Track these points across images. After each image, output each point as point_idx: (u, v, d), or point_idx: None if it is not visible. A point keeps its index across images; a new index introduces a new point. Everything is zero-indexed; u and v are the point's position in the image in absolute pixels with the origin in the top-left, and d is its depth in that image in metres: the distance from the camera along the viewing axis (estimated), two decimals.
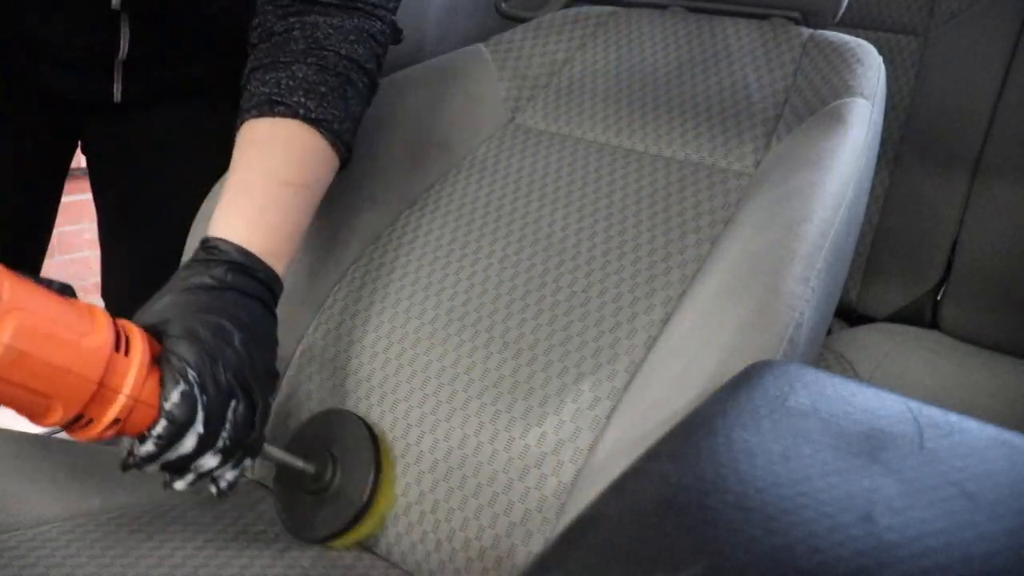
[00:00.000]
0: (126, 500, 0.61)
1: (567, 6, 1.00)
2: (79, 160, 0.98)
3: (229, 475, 0.52)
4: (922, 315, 1.08)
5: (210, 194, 0.73)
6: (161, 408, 0.48)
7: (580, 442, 0.57)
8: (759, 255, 0.56)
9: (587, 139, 0.81)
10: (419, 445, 0.61)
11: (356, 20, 0.65)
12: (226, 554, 0.57)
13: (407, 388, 0.64)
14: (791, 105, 0.75)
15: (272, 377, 0.56)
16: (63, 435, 0.62)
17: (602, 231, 0.70)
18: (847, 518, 0.24)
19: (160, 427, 0.47)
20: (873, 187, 0.98)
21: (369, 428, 0.61)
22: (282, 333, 0.70)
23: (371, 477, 0.59)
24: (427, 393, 0.63)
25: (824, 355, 1.03)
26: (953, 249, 1.04)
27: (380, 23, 0.67)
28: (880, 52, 0.78)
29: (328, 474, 0.59)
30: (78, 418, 0.46)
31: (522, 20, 1.00)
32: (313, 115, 0.60)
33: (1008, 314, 1.00)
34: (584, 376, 0.60)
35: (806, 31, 0.81)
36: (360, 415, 0.64)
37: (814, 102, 0.73)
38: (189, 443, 0.48)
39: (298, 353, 0.70)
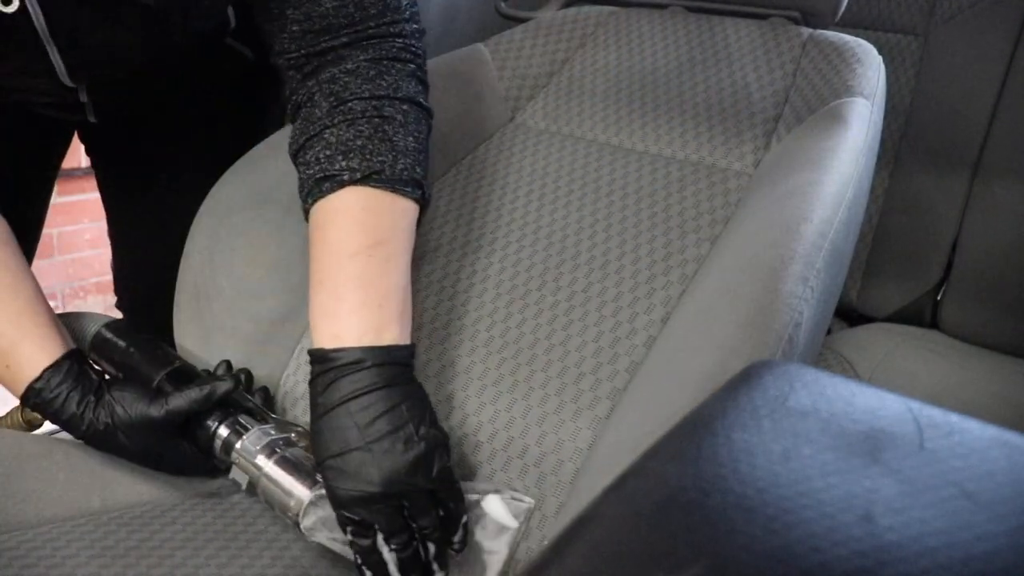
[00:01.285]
0: (126, 500, 0.61)
1: (567, 6, 1.00)
2: (80, 160, 0.98)
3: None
4: (922, 315, 1.08)
5: (219, 181, 0.73)
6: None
7: (579, 442, 0.57)
8: (759, 255, 0.56)
9: (587, 138, 0.81)
10: None
11: (371, 52, 0.63)
12: (226, 554, 0.57)
13: None
14: (791, 105, 0.75)
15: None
16: (63, 435, 0.62)
17: (602, 231, 0.70)
18: (847, 518, 0.24)
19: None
20: (873, 187, 0.98)
21: None
22: (282, 332, 0.71)
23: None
24: (426, 392, 0.63)
25: (824, 355, 1.03)
26: (953, 249, 1.04)
27: (399, 39, 0.64)
28: (880, 52, 0.78)
29: None
30: None
31: (522, 20, 1.00)
32: (359, 174, 0.58)
33: (1008, 314, 1.00)
34: (584, 376, 0.60)
35: (806, 31, 0.81)
36: None
37: (814, 102, 0.73)
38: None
39: (298, 352, 0.70)
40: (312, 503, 0.54)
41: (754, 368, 0.35)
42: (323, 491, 0.53)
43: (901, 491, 0.25)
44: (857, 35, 0.81)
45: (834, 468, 0.26)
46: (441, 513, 0.53)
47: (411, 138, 0.62)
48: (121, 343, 0.64)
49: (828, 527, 0.23)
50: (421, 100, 0.65)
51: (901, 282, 1.09)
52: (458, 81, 0.85)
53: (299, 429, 0.60)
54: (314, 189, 0.60)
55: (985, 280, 1.01)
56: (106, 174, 0.97)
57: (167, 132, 0.88)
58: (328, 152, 0.60)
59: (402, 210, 0.60)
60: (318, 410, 0.54)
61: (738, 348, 0.50)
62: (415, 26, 0.66)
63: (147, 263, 0.94)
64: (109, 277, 1.01)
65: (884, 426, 0.29)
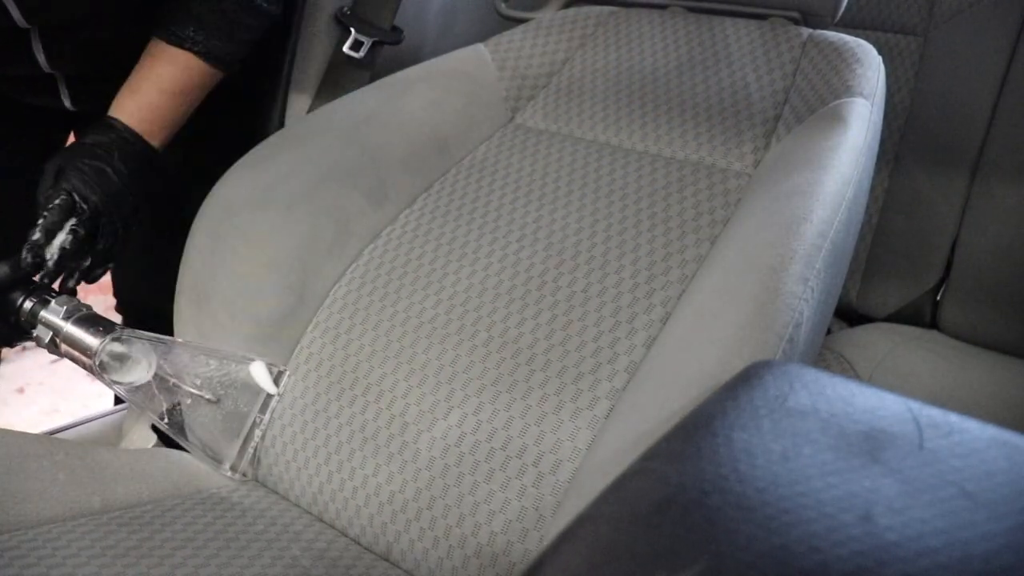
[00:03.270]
0: (126, 500, 0.61)
1: (567, 6, 1.00)
2: None
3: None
4: (922, 315, 1.08)
5: (219, 182, 0.74)
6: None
7: (578, 441, 0.57)
8: (758, 255, 0.56)
9: (587, 139, 0.81)
10: (416, 443, 0.61)
11: None
12: (226, 554, 0.57)
13: (405, 386, 0.64)
14: (791, 105, 0.75)
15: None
16: (63, 435, 0.62)
17: (602, 231, 0.70)
18: (847, 518, 0.24)
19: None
20: (873, 187, 0.98)
21: None
22: (282, 332, 0.71)
23: None
24: (425, 391, 0.63)
25: (824, 355, 1.03)
26: (953, 249, 1.04)
27: None
28: (880, 52, 0.78)
29: None
30: None
31: (522, 20, 1.00)
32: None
33: (1008, 314, 1.00)
34: (583, 376, 0.60)
35: (806, 31, 0.81)
36: (355, 413, 0.64)
37: (814, 102, 0.73)
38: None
39: (297, 352, 0.70)
40: (104, 348, 0.65)
41: (754, 368, 0.35)
42: (114, 342, 0.65)
43: (901, 491, 0.25)
44: (857, 35, 0.81)
45: (834, 468, 0.26)
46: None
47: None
48: None
49: (828, 527, 0.23)
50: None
51: (901, 282, 1.09)
52: (458, 81, 0.85)
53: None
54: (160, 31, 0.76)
55: (985, 280, 1.01)
56: None
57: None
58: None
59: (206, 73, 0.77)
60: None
61: (738, 348, 0.50)
62: None
63: (143, 259, 0.94)
64: (108, 277, 1.01)
65: (884, 426, 0.29)
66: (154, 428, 0.75)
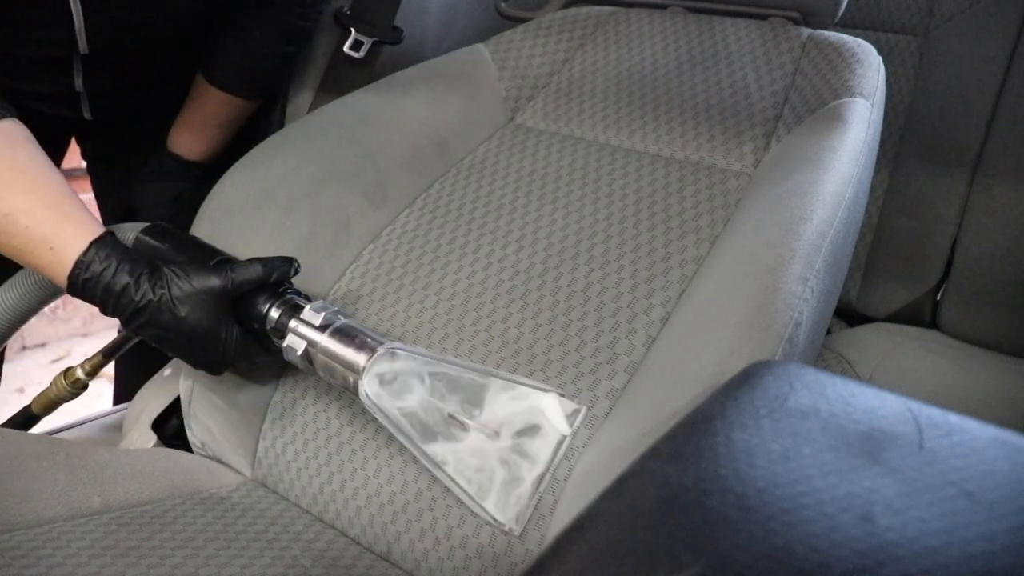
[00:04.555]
0: (126, 500, 0.61)
1: (567, 6, 1.00)
2: (80, 161, 0.98)
3: None
4: (922, 315, 1.08)
5: (219, 182, 0.74)
6: None
7: (576, 440, 0.57)
8: (758, 255, 0.56)
9: (587, 139, 0.81)
10: None
11: None
12: (226, 554, 0.57)
13: None
14: (790, 105, 0.75)
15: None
16: (63, 435, 0.62)
17: (601, 231, 0.70)
18: (847, 518, 0.24)
19: None
20: (873, 187, 0.98)
21: None
22: None
23: None
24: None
25: (824, 355, 1.03)
26: (953, 249, 1.04)
27: None
28: (880, 52, 0.78)
29: None
30: None
31: (522, 20, 1.00)
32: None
33: (1008, 314, 1.00)
34: (582, 375, 0.60)
35: (806, 31, 0.81)
36: (355, 413, 0.64)
37: (813, 102, 0.73)
38: None
39: None
40: (372, 365, 0.55)
41: (754, 368, 0.35)
42: (379, 359, 0.55)
43: (901, 491, 0.25)
44: (857, 35, 0.81)
45: (834, 468, 0.26)
46: None
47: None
48: (163, 245, 0.63)
49: (828, 527, 0.23)
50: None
51: (901, 282, 1.09)
52: (458, 81, 0.85)
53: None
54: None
55: (985, 280, 1.01)
56: (102, 178, 0.97)
57: (166, 135, 0.88)
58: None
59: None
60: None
61: (738, 348, 0.50)
62: None
63: None
64: None
65: (884, 426, 0.29)
66: (154, 428, 0.75)
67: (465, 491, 0.56)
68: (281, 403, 0.68)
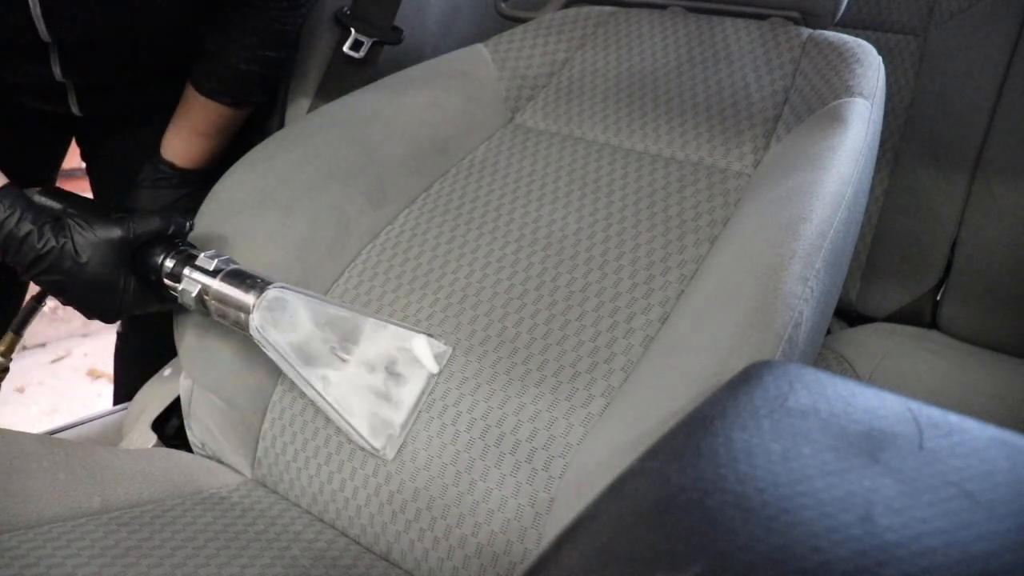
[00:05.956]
0: (126, 500, 0.61)
1: (567, 6, 1.00)
2: (80, 161, 0.98)
3: None
4: (922, 315, 1.08)
5: (219, 181, 0.74)
6: None
7: (571, 438, 0.57)
8: (758, 255, 0.56)
9: (587, 139, 0.81)
10: (415, 442, 0.61)
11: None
12: (226, 554, 0.57)
13: None
14: (790, 105, 0.75)
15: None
16: (63, 435, 0.62)
17: (601, 231, 0.70)
18: (847, 518, 0.24)
19: None
20: (873, 187, 0.98)
21: None
22: None
23: None
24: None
25: (824, 355, 1.03)
26: (953, 249, 1.04)
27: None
28: (880, 52, 0.78)
29: None
30: None
31: (522, 20, 1.00)
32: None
33: (1008, 314, 1.00)
34: (579, 374, 0.60)
35: (806, 31, 0.81)
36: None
37: (813, 102, 0.73)
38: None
39: None
40: (257, 306, 0.60)
41: (754, 368, 0.35)
42: (267, 297, 0.60)
43: (901, 491, 0.25)
44: (857, 35, 0.81)
45: (834, 468, 0.26)
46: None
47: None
48: (60, 204, 0.65)
49: (828, 527, 0.23)
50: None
51: (901, 282, 1.09)
52: (458, 81, 0.85)
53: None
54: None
55: (985, 280, 1.01)
56: (102, 179, 0.97)
57: (154, 134, 0.88)
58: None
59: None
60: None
61: (737, 348, 0.50)
62: None
63: None
64: None
65: (884, 426, 0.29)
66: (154, 428, 0.75)
67: (342, 416, 0.61)
68: (281, 403, 0.68)
